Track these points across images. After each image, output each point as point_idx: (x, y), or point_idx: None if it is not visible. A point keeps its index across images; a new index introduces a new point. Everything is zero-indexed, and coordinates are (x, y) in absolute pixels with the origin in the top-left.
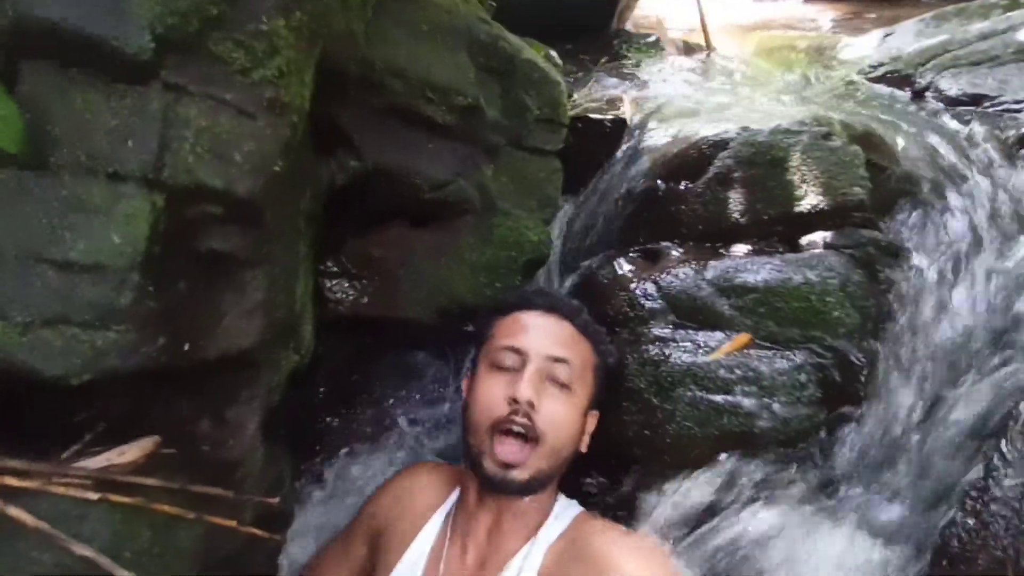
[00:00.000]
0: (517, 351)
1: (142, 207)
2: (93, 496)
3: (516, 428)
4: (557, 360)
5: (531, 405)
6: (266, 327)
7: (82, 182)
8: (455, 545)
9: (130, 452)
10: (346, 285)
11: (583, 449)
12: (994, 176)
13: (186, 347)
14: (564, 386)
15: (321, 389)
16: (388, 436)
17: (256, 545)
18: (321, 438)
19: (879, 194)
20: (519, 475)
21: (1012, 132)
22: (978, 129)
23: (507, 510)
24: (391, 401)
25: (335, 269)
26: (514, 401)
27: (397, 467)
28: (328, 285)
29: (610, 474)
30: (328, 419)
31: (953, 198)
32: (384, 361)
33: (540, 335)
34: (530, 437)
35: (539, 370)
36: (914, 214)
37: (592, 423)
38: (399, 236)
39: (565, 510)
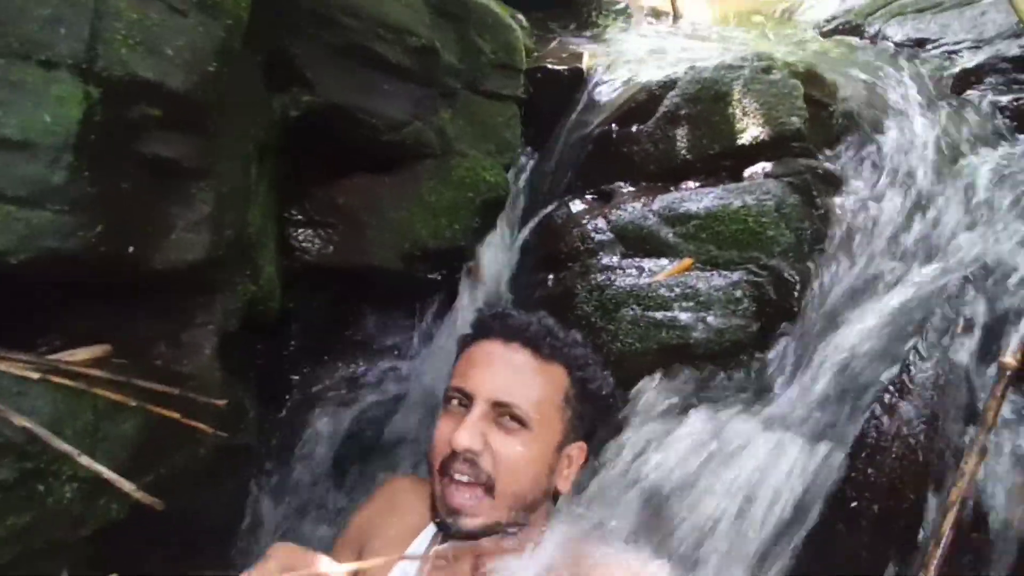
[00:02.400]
0: (463, 393)
1: (74, 92)
2: (34, 375)
3: (458, 476)
4: (502, 405)
5: (472, 452)
6: (214, 243)
7: (15, 66)
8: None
9: (80, 354)
10: (311, 233)
11: (563, 488)
12: (931, 111)
13: (131, 249)
14: (520, 425)
15: (293, 342)
16: (358, 390)
17: (222, 459)
18: (292, 389)
19: (822, 129)
20: (470, 523)
21: (950, 71)
22: (920, 70)
23: (484, 552)
24: (362, 357)
25: (300, 217)
26: (453, 447)
27: (365, 421)
28: (294, 233)
29: None
30: (303, 371)
31: (892, 133)
32: (358, 318)
33: (489, 374)
34: (480, 483)
35: (483, 414)
36: (855, 148)
37: (576, 456)
38: (363, 183)
39: (552, 537)
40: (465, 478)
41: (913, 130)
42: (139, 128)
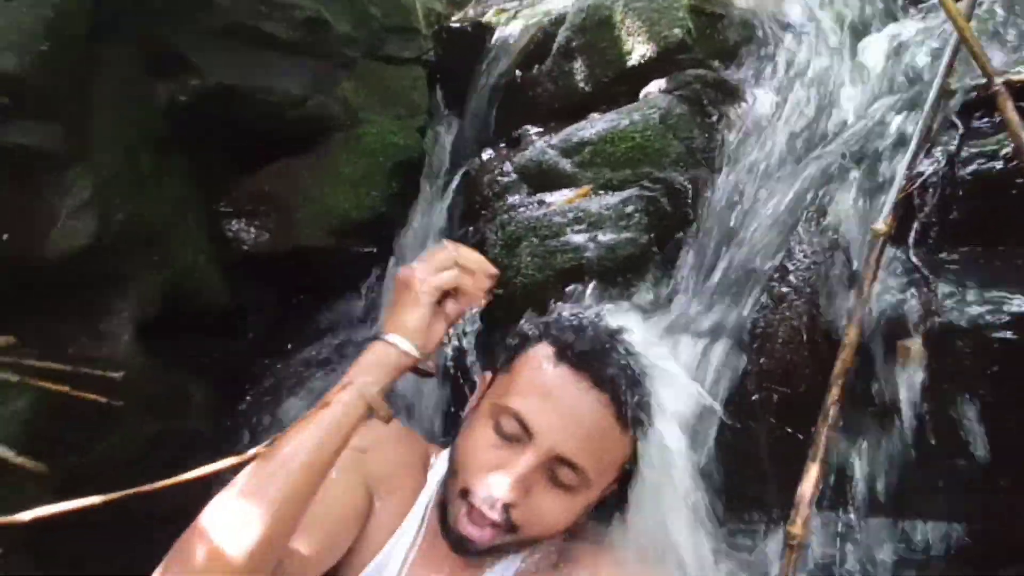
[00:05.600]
0: (525, 427)
1: None
2: None
3: (487, 517)
4: (566, 463)
5: (511, 505)
6: (101, 228)
7: None
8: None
9: None
10: (244, 223)
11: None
12: (826, 6)
13: (4, 237)
14: (573, 486)
15: (250, 334)
16: (316, 372)
17: (166, 445)
18: (253, 380)
19: (715, 40)
20: (477, 548)
21: None
22: None
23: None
24: (316, 341)
25: (230, 209)
26: (490, 493)
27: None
28: (227, 225)
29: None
30: (262, 362)
31: (792, 30)
32: (308, 306)
33: (562, 422)
34: (502, 526)
35: (540, 465)
36: (754, 55)
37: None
38: (285, 167)
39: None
40: (492, 520)
41: (814, 21)
42: None
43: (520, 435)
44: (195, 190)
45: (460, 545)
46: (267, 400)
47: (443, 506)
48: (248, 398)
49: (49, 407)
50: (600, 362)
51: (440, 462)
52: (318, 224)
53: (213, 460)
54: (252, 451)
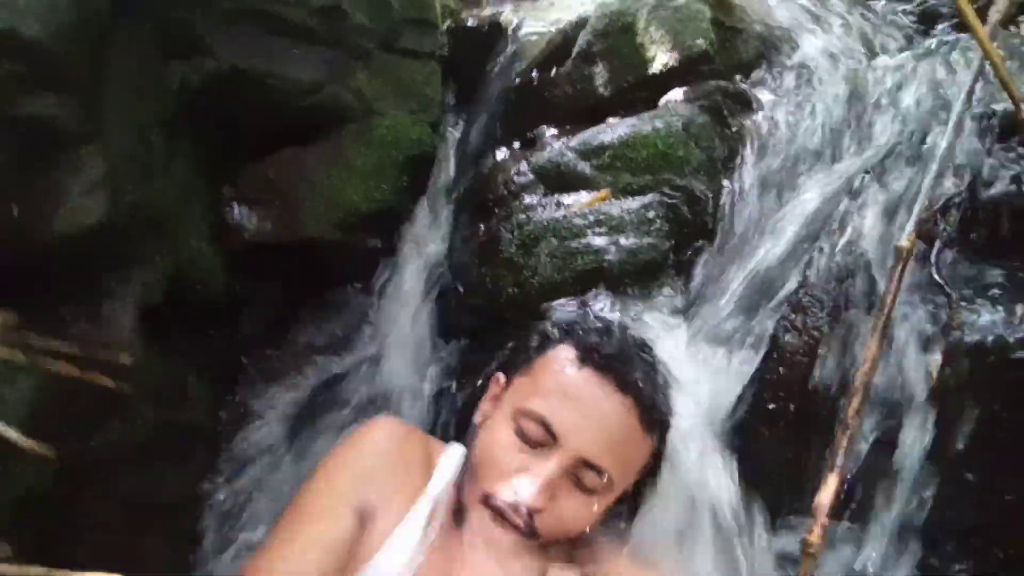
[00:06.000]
0: (550, 431)
1: None
2: None
3: (511, 522)
4: (590, 467)
5: (537, 510)
6: (112, 209)
7: None
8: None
9: None
10: (247, 211)
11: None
12: (843, 24)
13: (15, 211)
14: (597, 488)
15: (248, 326)
16: (313, 367)
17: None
18: (249, 370)
19: (734, 53)
20: (499, 549)
21: None
22: None
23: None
24: (316, 335)
25: (234, 196)
26: (518, 498)
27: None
28: (230, 213)
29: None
30: (259, 353)
31: (807, 49)
32: (309, 299)
33: (587, 424)
34: (525, 531)
35: (564, 468)
36: (770, 69)
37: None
38: (292, 156)
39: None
40: (517, 524)
41: (827, 43)
42: (6, 88)
43: (544, 439)
44: (200, 176)
45: (483, 548)
46: (263, 393)
47: (461, 504)
48: (245, 391)
49: (55, 390)
50: (625, 366)
51: (447, 460)
52: (325, 216)
53: (213, 453)
54: None
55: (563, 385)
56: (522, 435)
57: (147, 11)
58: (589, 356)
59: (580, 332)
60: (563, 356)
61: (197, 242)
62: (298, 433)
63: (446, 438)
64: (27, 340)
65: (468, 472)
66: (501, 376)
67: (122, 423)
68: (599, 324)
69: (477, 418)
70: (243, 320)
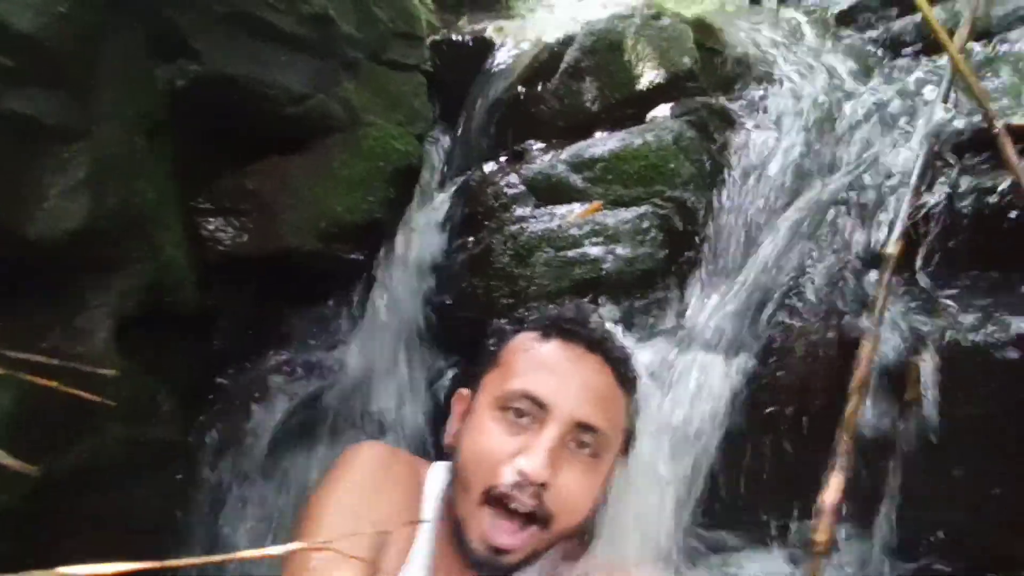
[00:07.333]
0: (538, 402)
1: None
2: None
3: (521, 508)
4: (585, 428)
5: (544, 486)
6: (94, 211)
7: None
8: None
9: None
10: (223, 222)
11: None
12: (816, 49)
13: None
14: (594, 454)
15: (220, 340)
16: (290, 382)
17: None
18: (224, 386)
19: (715, 74)
20: (511, 559)
21: (831, 12)
22: (800, 17)
23: None
24: (291, 349)
25: (210, 206)
26: (523, 474)
27: (299, 412)
28: (205, 223)
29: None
30: (232, 368)
31: (784, 69)
32: (283, 311)
33: (571, 385)
34: (536, 518)
35: (563, 435)
36: (749, 89)
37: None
38: (274, 166)
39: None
40: (527, 509)
41: (803, 66)
42: None
43: (535, 412)
44: (177, 183)
45: (490, 562)
46: (237, 408)
47: (459, 532)
48: (217, 406)
49: (32, 404)
50: (588, 329)
51: (434, 474)
52: (306, 226)
53: (188, 470)
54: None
55: (536, 359)
56: (510, 419)
57: (136, 10)
58: (552, 328)
59: (533, 318)
60: (527, 337)
61: (173, 250)
62: (275, 455)
63: (438, 457)
64: (2, 352)
65: (458, 483)
66: (464, 391)
67: (92, 439)
68: (550, 309)
69: (446, 439)
70: (216, 334)
